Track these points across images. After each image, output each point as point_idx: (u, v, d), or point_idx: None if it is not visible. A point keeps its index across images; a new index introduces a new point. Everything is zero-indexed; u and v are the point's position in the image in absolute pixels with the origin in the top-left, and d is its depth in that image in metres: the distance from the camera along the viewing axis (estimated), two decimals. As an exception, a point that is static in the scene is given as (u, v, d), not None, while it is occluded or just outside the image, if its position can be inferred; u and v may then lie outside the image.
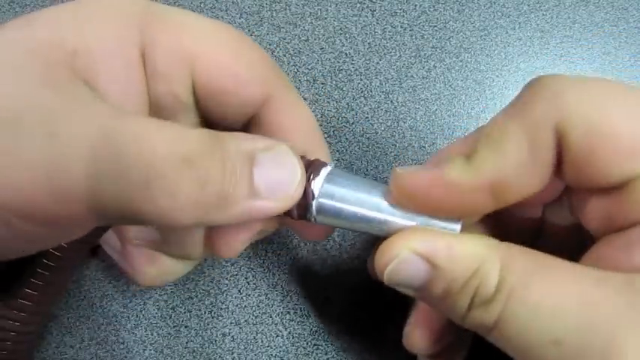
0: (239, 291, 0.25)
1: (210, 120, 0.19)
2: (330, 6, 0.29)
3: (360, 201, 0.16)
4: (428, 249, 0.15)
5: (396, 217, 0.16)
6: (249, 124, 0.19)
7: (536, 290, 0.14)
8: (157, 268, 0.21)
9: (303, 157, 0.17)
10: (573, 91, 0.15)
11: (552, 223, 0.20)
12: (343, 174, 0.17)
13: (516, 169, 0.15)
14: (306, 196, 0.17)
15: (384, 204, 0.16)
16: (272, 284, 0.25)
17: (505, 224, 0.20)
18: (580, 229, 0.18)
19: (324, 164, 0.17)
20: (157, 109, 0.18)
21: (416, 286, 0.16)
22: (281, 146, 0.16)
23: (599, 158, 0.15)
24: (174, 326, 0.25)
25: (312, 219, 0.17)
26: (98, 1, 0.16)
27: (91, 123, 0.13)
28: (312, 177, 0.17)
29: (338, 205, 0.17)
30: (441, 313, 0.17)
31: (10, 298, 0.18)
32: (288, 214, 0.17)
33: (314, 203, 0.17)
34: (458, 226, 0.16)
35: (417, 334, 0.19)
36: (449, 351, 0.20)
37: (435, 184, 0.16)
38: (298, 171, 0.16)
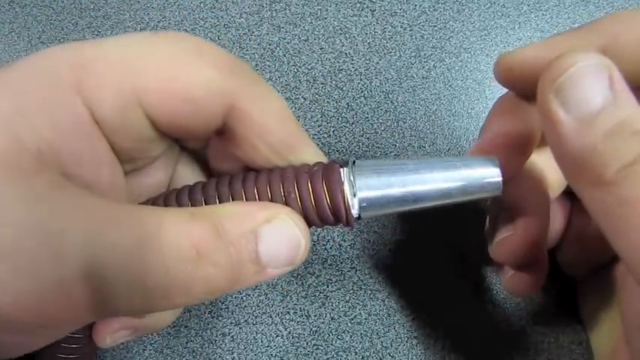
0: (239, 291, 0.25)
1: (178, 138, 0.18)
2: (330, 6, 0.29)
3: (394, 183, 0.16)
4: (617, 72, 0.14)
5: (437, 183, 0.16)
6: (222, 131, 0.18)
7: None
8: None
9: (318, 163, 0.17)
10: None
11: None
12: (364, 165, 0.17)
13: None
14: (346, 208, 0.16)
15: (418, 177, 0.16)
16: (272, 284, 0.25)
17: None
18: None
19: (343, 164, 0.17)
20: (126, 155, 0.17)
21: (587, 109, 0.14)
22: (281, 213, 0.16)
23: None
24: (174, 326, 0.25)
25: (358, 223, 0.17)
26: (28, 76, 0.15)
27: (86, 233, 0.13)
28: (343, 185, 0.16)
29: (378, 199, 0.16)
30: (582, 164, 0.14)
31: None
32: (329, 225, 0.17)
33: (355, 212, 0.16)
34: (496, 162, 0.16)
35: (510, 243, 0.19)
36: (534, 264, 0.20)
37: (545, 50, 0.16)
38: (302, 239, 0.16)
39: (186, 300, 0.14)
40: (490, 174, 0.16)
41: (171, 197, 0.17)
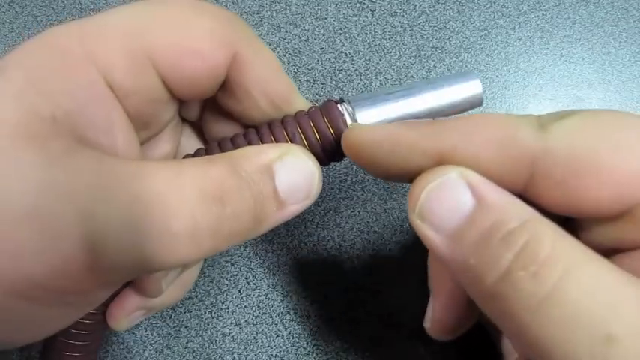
0: (239, 291, 0.25)
1: (183, 98, 0.19)
2: (330, 6, 0.29)
3: (389, 109, 0.17)
4: (477, 178, 0.14)
5: (427, 104, 0.17)
6: (222, 88, 0.19)
7: (591, 275, 0.12)
8: None
9: (312, 107, 0.18)
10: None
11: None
12: (359, 97, 0.18)
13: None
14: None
15: (410, 100, 0.17)
16: (272, 284, 0.25)
17: None
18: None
19: (339, 102, 0.18)
20: (140, 121, 0.17)
21: (453, 223, 0.14)
22: (291, 149, 0.16)
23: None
24: (174, 326, 0.25)
25: None
26: (37, 51, 0.15)
27: (102, 189, 0.13)
28: (344, 119, 0.17)
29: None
30: (465, 277, 0.14)
31: None
32: (336, 160, 0.18)
33: None
34: (476, 75, 0.18)
35: (440, 325, 0.19)
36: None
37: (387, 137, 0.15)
38: (315, 171, 0.17)
39: (214, 243, 0.14)
40: (472, 88, 0.18)
41: None
